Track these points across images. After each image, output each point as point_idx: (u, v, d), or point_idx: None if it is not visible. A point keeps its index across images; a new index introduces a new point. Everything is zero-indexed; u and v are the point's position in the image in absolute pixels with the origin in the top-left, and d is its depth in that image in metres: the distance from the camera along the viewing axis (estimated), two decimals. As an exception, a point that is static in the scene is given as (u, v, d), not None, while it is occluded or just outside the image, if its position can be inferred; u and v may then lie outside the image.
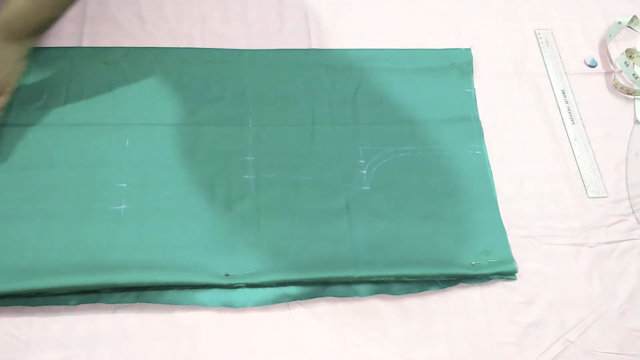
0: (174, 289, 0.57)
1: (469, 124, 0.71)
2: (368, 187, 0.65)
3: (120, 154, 0.63)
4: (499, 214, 0.65)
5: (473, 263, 0.61)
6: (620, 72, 0.78)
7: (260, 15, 0.76)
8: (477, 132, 0.70)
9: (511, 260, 0.62)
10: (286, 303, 0.58)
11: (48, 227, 0.58)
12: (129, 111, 0.66)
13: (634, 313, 0.62)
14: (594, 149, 0.72)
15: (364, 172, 0.66)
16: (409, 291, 0.60)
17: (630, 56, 0.78)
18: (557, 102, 0.75)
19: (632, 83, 0.77)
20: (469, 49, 0.76)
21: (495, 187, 0.67)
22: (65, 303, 0.56)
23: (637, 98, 0.76)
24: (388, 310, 0.60)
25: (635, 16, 0.81)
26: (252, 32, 0.74)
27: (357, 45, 0.75)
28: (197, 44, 0.72)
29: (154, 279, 0.56)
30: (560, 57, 0.78)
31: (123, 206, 0.60)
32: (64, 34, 0.71)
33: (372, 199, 0.64)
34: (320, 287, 0.59)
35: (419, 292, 0.60)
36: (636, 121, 0.75)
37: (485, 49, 0.77)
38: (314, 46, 0.74)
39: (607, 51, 0.79)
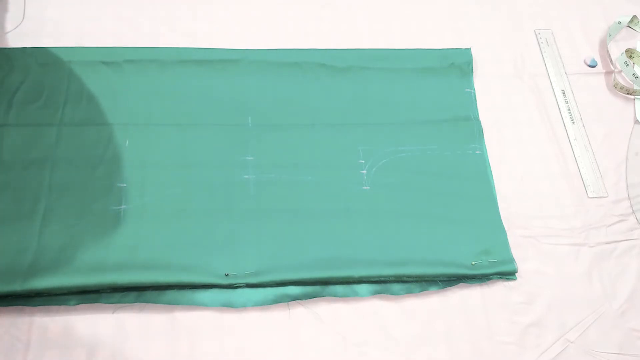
0: (174, 289, 0.57)
1: (469, 124, 0.71)
2: (368, 187, 0.65)
3: (120, 154, 0.63)
4: (499, 214, 0.65)
5: (473, 263, 0.61)
6: (620, 72, 0.78)
7: (260, 15, 0.76)
8: (477, 132, 0.70)
9: (511, 260, 0.62)
10: (286, 303, 0.58)
11: (48, 227, 0.58)
12: (129, 111, 0.66)
13: (634, 313, 0.62)
14: (594, 149, 0.72)
15: (364, 172, 0.66)
16: (409, 291, 0.60)
17: (630, 56, 0.78)
18: (557, 102, 0.75)
19: (632, 83, 0.77)
20: (469, 49, 0.76)
21: (495, 187, 0.67)
22: (65, 303, 0.56)
23: (637, 98, 0.76)
24: (388, 310, 0.60)
25: (635, 16, 0.81)
26: (252, 32, 0.74)
27: (357, 45, 0.75)
28: (197, 43, 0.72)
29: (154, 279, 0.56)
30: (560, 57, 0.78)
31: (123, 206, 0.60)
32: (64, 34, 0.71)
33: (372, 199, 0.64)
34: (320, 287, 0.59)
35: (419, 292, 0.60)
36: (636, 121, 0.74)
37: (485, 49, 0.77)
38: (314, 46, 0.74)
39: (607, 51, 0.79)
